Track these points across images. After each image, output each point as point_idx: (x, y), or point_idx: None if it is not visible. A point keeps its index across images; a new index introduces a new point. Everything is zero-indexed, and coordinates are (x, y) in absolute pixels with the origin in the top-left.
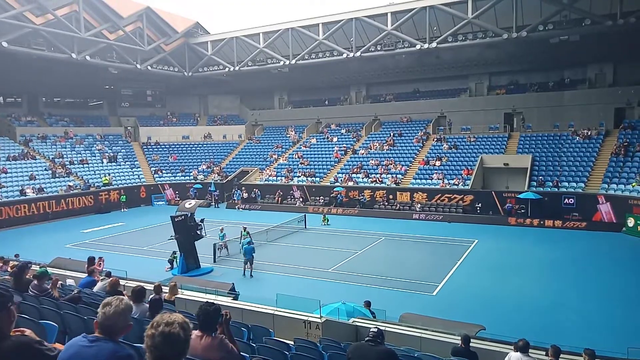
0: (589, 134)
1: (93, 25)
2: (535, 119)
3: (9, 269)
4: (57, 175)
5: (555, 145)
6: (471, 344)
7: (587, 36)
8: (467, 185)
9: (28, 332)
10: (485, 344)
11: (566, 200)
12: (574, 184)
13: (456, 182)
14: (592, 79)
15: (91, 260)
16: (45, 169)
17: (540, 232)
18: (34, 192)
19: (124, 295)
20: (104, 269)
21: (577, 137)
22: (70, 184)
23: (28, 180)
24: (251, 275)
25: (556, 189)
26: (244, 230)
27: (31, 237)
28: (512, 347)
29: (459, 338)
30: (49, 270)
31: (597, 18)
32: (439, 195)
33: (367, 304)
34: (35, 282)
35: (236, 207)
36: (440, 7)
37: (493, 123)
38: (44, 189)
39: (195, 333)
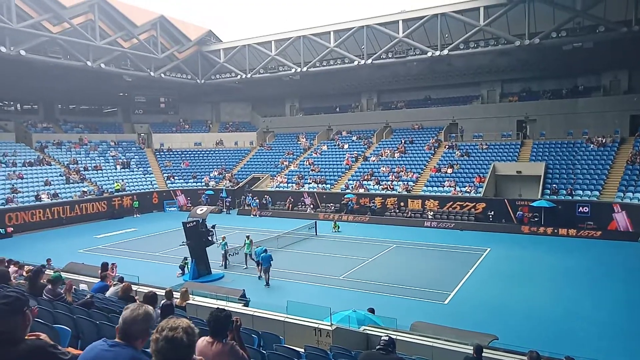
0: (604, 141)
1: (108, 33)
2: (548, 126)
3: (24, 274)
4: (71, 181)
5: (569, 152)
6: (484, 354)
7: (601, 43)
8: (480, 193)
9: (43, 336)
10: (498, 354)
11: (580, 208)
12: (589, 192)
13: (468, 190)
14: (607, 86)
15: (104, 266)
16: (60, 175)
17: (554, 240)
18: (48, 198)
19: (136, 300)
20: (116, 275)
21: (592, 145)
22: (85, 189)
23: (43, 185)
24: (267, 284)
25: (570, 197)
26: (247, 239)
27: (45, 242)
28: (525, 358)
29: (471, 348)
30: (63, 275)
31: (612, 24)
32: (451, 202)
33: (371, 311)
34: (50, 286)
35: (252, 214)
36: (452, 14)
37: (505, 130)
38: (59, 195)
39: (207, 339)
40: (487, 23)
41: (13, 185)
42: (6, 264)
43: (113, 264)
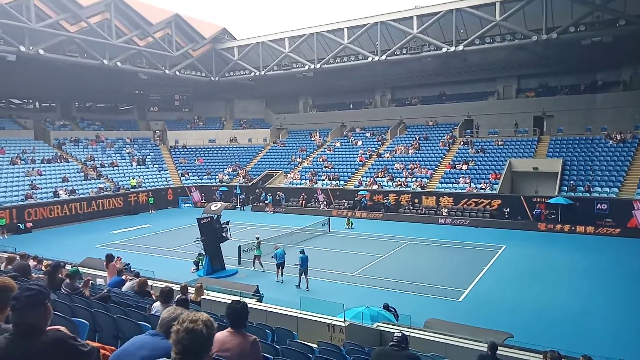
0: (623, 137)
1: (124, 32)
2: (566, 122)
3: (43, 268)
4: (88, 178)
5: (587, 149)
6: (498, 352)
7: (621, 37)
8: (495, 189)
9: (62, 329)
10: (513, 352)
11: (599, 205)
12: (607, 189)
13: (483, 187)
14: (627, 81)
15: (109, 257)
16: (78, 172)
17: (571, 238)
18: (66, 194)
19: (152, 294)
20: (128, 268)
21: (611, 141)
22: (101, 186)
23: (61, 182)
24: (307, 288)
25: (588, 194)
26: (256, 240)
27: (63, 237)
28: (540, 356)
29: (486, 345)
30: (80, 269)
31: (632, 18)
32: (466, 199)
33: (386, 307)
34: (68, 280)
35: (266, 210)
36: (467, 9)
37: (522, 126)
38: (76, 191)
39: (228, 330)
40: (503, 18)
41: (32, 182)
42: (27, 259)
43: (118, 257)
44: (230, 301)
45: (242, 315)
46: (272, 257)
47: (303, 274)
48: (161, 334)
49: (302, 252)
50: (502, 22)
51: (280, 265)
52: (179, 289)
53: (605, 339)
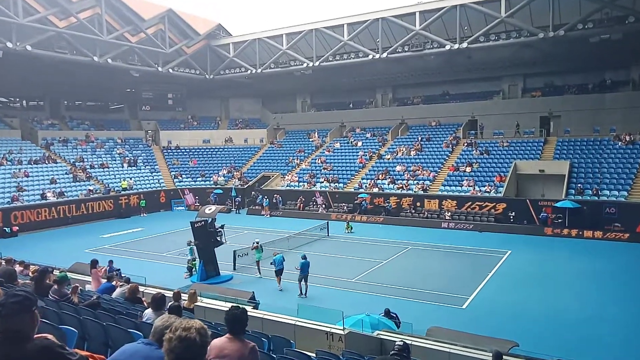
0: (633, 138)
1: (115, 28)
2: (573, 123)
3: (30, 274)
4: (77, 179)
5: (595, 150)
6: None
7: (631, 34)
8: (500, 192)
9: (50, 337)
10: None
11: (607, 209)
12: (616, 192)
13: (488, 190)
14: (636, 80)
15: (94, 263)
16: (66, 173)
17: (578, 243)
18: (54, 196)
19: (143, 301)
20: (119, 273)
21: (620, 142)
22: (91, 188)
23: (49, 184)
24: (305, 294)
25: (596, 198)
26: (257, 244)
27: (51, 242)
28: None
29: (490, 355)
30: (69, 275)
31: None
32: (470, 203)
33: (387, 312)
34: (56, 286)
35: (262, 213)
36: (472, 5)
37: (528, 127)
38: (65, 193)
39: (227, 336)
40: (509, 14)
41: (19, 184)
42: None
43: (110, 261)
44: (225, 308)
45: (241, 321)
46: (271, 264)
47: (303, 280)
48: (154, 343)
49: (304, 257)
50: (507, 18)
51: (279, 272)
52: (171, 295)
53: (614, 346)
